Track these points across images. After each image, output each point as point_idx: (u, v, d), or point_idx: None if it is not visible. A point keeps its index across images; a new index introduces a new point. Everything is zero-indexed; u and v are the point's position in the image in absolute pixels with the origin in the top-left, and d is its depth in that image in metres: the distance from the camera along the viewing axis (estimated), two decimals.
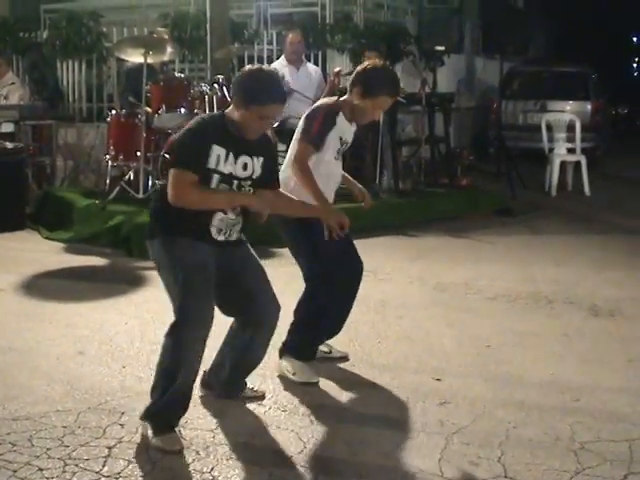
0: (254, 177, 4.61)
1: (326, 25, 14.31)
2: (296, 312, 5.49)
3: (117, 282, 7.92)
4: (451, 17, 19.48)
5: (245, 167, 4.56)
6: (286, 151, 5.54)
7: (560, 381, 5.44)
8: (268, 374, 5.43)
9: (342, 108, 5.39)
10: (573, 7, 26.87)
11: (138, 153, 9.74)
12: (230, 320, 4.85)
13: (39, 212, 10.63)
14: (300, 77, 10.90)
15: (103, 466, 4.17)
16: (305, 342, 5.51)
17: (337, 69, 10.72)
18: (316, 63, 13.17)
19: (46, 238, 9.80)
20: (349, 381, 5.44)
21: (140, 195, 9.65)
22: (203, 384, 5.03)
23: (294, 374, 5.36)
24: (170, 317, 4.47)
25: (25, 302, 7.19)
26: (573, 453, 4.41)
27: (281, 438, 4.56)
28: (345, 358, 5.79)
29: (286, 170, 5.36)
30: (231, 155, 4.48)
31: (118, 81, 13.10)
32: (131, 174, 10.00)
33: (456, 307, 7.18)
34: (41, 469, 4.13)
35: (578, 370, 5.67)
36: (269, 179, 4.74)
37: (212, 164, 4.43)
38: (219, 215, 4.53)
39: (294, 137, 5.43)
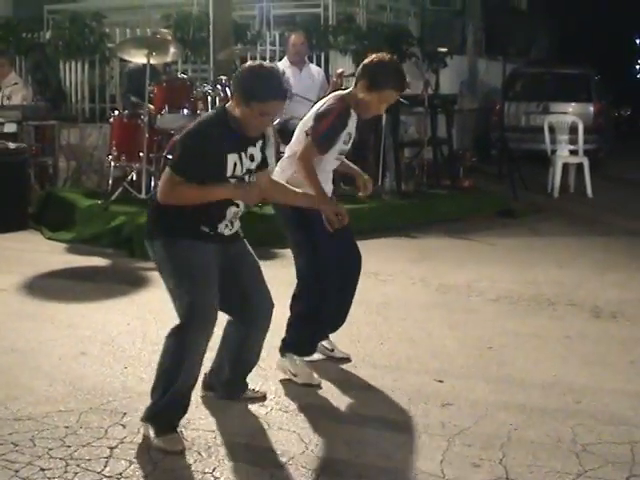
0: (258, 164, 4.63)
1: (329, 26, 14.31)
2: (291, 308, 5.49)
3: (119, 283, 7.92)
4: (454, 19, 19.45)
5: (252, 158, 4.56)
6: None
7: (562, 383, 5.44)
8: (270, 375, 5.44)
9: (352, 104, 5.36)
10: (576, 9, 26.87)
11: (141, 154, 9.74)
12: (224, 321, 4.85)
13: (41, 212, 10.64)
14: (303, 78, 10.90)
15: (105, 466, 4.18)
16: (303, 337, 5.49)
17: (340, 70, 10.71)
18: (319, 64, 13.17)
19: (48, 238, 9.81)
20: (351, 382, 5.44)
21: (142, 196, 9.65)
22: (205, 386, 5.03)
23: (295, 375, 5.36)
24: (172, 318, 4.47)
25: (27, 302, 7.20)
26: (575, 455, 4.40)
27: (282, 439, 4.56)
28: (347, 359, 5.79)
29: (286, 171, 5.36)
30: (243, 154, 4.48)
31: (121, 82, 13.09)
32: (133, 175, 10.02)
33: (458, 309, 7.17)
34: (43, 469, 4.13)
35: (580, 372, 5.67)
36: (264, 160, 4.73)
37: (229, 172, 4.43)
38: (233, 209, 4.53)
39: (296, 133, 5.42)
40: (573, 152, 14.12)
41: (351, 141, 5.50)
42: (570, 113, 16.16)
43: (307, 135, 5.29)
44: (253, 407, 4.96)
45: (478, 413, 4.92)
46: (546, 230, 10.93)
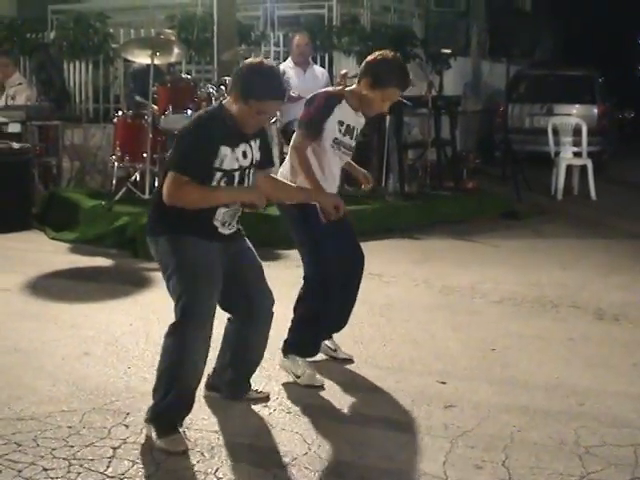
0: (254, 163, 4.62)
1: (333, 27, 14.33)
2: (295, 309, 5.49)
3: (122, 283, 7.92)
4: (458, 20, 19.49)
5: (245, 155, 4.55)
6: None
7: (565, 385, 5.44)
8: (273, 376, 5.44)
9: (346, 97, 5.35)
10: (581, 10, 26.85)
11: (144, 154, 9.76)
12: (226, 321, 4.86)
13: (45, 212, 10.65)
14: (307, 79, 10.93)
15: (108, 467, 4.18)
16: (306, 339, 5.48)
17: (343, 71, 10.74)
18: (323, 65, 13.20)
19: (52, 238, 9.82)
20: (354, 383, 5.43)
21: (146, 196, 9.65)
22: (208, 386, 5.03)
23: (298, 377, 5.35)
24: (174, 318, 4.47)
25: (30, 302, 7.20)
26: (578, 457, 4.40)
27: (285, 440, 4.56)
28: (350, 360, 5.78)
29: (289, 172, 5.36)
30: (235, 150, 4.48)
31: (125, 82, 13.11)
32: (137, 175, 10.04)
33: (462, 310, 7.17)
34: (46, 469, 4.13)
35: (583, 374, 5.67)
36: (264, 159, 4.73)
37: (217, 164, 4.43)
38: (222, 209, 4.53)
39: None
40: (577, 154, 14.11)
41: (354, 136, 5.48)
42: (574, 115, 16.16)
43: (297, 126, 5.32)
44: (256, 408, 4.96)
45: (481, 415, 4.92)
46: (550, 232, 10.92)
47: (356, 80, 5.47)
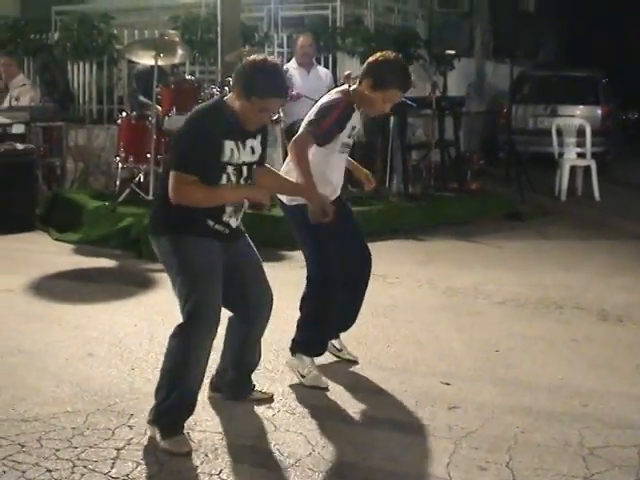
0: (258, 158, 4.64)
1: (337, 28, 14.31)
2: (301, 308, 5.48)
3: (126, 284, 7.93)
4: (461, 21, 19.45)
5: (253, 151, 4.57)
6: None
7: (569, 386, 5.43)
8: (277, 377, 5.44)
9: (354, 101, 5.34)
10: (585, 11, 26.81)
11: (148, 155, 9.76)
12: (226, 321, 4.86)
13: (49, 213, 10.66)
14: (311, 80, 10.94)
15: (111, 468, 4.18)
16: (313, 338, 5.48)
17: (347, 72, 10.73)
18: (326, 66, 13.18)
19: (56, 239, 9.83)
20: (358, 384, 5.43)
21: (150, 197, 9.65)
22: (212, 387, 5.04)
23: (303, 377, 5.35)
24: (179, 319, 4.47)
25: (34, 303, 7.21)
26: (582, 458, 4.40)
27: (289, 441, 4.56)
28: (355, 362, 5.78)
29: (292, 172, 5.35)
30: (240, 144, 4.48)
31: (128, 83, 13.12)
32: (141, 176, 10.04)
33: (465, 311, 7.17)
34: (50, 470, 4.14)
35: (587, 375, 5.66)
36: (263, 155, 4.74)
37: (226, 158, 4.42)
38: (229, 207, 4.53)
39: (302, 123, 5.38)
40: (581, 155, 14.10)
41: (355, 135, 5.48)
42: (578, 116, 16.16)
43: (307, 124, 5.27)
44: (260, 409, 4.96)
45: (485, 416, 4.92)
46: (553, 233, 10.92)
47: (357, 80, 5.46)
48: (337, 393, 5.26)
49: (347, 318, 5.70)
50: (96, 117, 13.72)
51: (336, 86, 10.44)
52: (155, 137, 9.73)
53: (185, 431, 4.51)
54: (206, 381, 4.87)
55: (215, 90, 10.00)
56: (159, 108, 9.93)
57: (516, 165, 13.81)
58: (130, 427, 4.64)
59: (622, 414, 4.99)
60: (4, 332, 6.35)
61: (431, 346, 6.23)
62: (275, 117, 9.80)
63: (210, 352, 4.53)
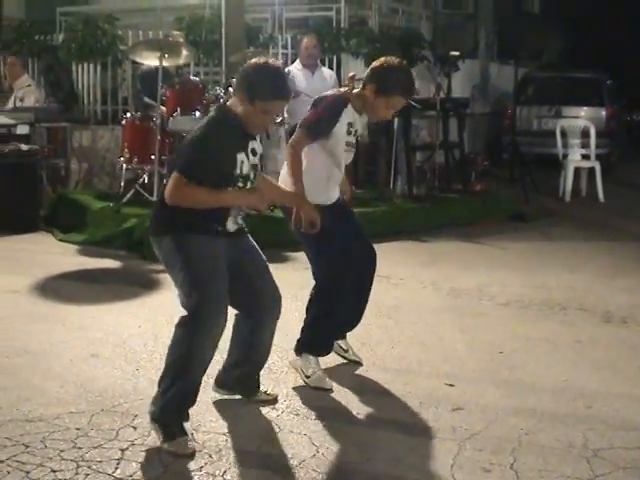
0: (258, 160, 4.67)
1: (341, 29, 14.31)
2: (307, 310, 5.49)
3: (130, 285, 7.94)
4: (466, 22, 19.48)
5: (254, 153, 4.60)
6: None
7: (573, 388, 5.43)
8: (281, 378, 5.44)
9: (352, 100, 5.34)
10: (589, 12, 26.82)
11: (152, 156, 9.77)
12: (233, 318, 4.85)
13: (53, 214, 10.67)
14: (315, 81, 10.94)
15: (116, 468, 4.18)
16: (319, 338, 5.48)
17: (352, 74, 10.72)
18: (331, 67, 13.19)
19: (60, 240, 9.84)
20: (362, 386, 5.43)
21: (154, 198, 9.65)
22: (219, 383, 5.02)
23: (308, 377, 5.35)
24: None
25: (39, 304, 7.21)
26: (586, 460, 4.39)
27: (293, 442, 4.56)
28: (359, 363, 5.78)
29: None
30: (247, 151, 4.51)
31: (133, 84, 13.13)
32: (145, 177, 10.05)
33: (469, 313, 7.17)
34: (54, 471, 4.14)
35: (591, 377, 5.66)
36: (261, 154, 4.78)
37: (238, 171, 4.46)
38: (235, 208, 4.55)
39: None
40: (585, 156, 14.10)
41: (356, 134, 5.48)
42: (582, 117, 16.17)
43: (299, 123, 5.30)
44: (264, 410, 4.96)
45: (489, 417, 4.91)
46: (557, 234, 10.92)
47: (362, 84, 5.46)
48: (341, 394, 5.26)
49: (352, 318, 5.71)
50: (100, 118, 13.74)
51: (340, 87, 10.55)
52: (159, 138, 9.74)
53: (189, 432, 4.52)
54: (210, 381, 4.88)
55: (219, 91, 10.01)
56: (163, 109, 9.94)
57: (520, 166, 13.82)
58: (134, 428, 4.64)
59: (626, 416, 4.99)
60: (10, 333, 6.35)
61: (435, 347, 6.23)
62: (279, 119, 9.81)
63: (217, 346, 4.52)
